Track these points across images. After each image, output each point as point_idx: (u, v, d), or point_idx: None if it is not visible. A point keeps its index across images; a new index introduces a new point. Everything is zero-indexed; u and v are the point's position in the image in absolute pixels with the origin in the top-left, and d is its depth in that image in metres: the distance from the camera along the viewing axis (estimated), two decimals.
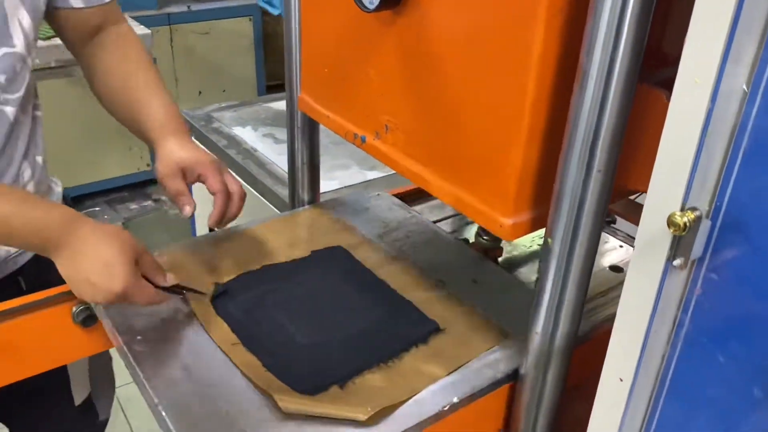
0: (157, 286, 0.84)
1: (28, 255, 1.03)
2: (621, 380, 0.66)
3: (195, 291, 0.89)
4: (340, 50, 0.95)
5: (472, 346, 0.86)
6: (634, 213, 0.91)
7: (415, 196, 1.29)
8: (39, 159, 1.03)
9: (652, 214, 0.59)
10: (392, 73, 0.86)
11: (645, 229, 0.60)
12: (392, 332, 0.87)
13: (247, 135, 1.83)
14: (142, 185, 3.12)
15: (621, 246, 1.22)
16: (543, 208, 0.74)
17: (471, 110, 0.76)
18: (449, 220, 1.29)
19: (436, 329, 0.88)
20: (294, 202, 1.21)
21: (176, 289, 0.88)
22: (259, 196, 1.65)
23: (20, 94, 0.92)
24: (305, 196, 1.20)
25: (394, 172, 1.67)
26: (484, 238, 1.12)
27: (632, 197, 0.93)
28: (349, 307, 0.92)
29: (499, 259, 1.16)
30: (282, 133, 1.83)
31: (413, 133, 0.86)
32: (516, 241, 1.22)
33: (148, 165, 3.02)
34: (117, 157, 2.94)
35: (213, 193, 0.95)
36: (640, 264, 0.61)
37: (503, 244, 1.16)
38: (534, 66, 0.67)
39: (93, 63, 1.05)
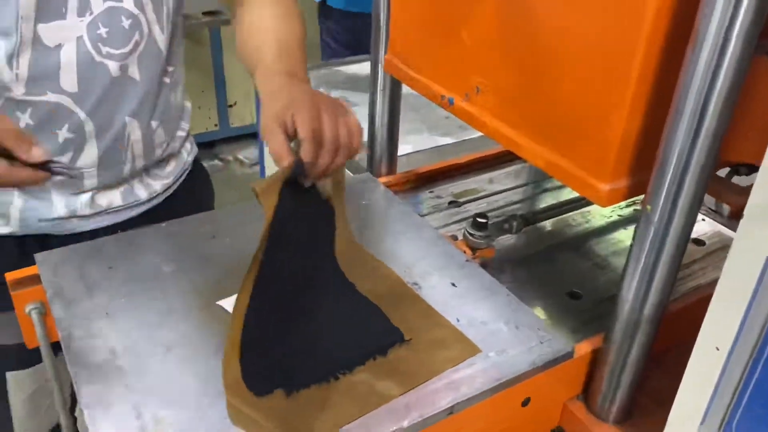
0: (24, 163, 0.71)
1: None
2: (717, 349, 0.65)
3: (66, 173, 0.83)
4: (433, 11, 0.94)
5: (436, 362, 0.78)
6: (718, 186, 0.89)
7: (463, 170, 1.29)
8: (154, 123, 1.04)
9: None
10: (487, 34, 0.86)
11: (757, 195, 0.59)
12: (351, 340, 0.80)
13: None
14: (210, 145, 3.18)
15: (703, 219, 1.20)
16: (641, 175, 0.73)
17: (572, 73, 0.75)
18: (440, 214, 1.19)
19: (400, 340, 0.81)
20: (372, 166, 1.22)
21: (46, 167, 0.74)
22: None
23: (125, 50, 0.94)
24: (384, 160, 1.21)
25: (465, 139, 1.69)
26: (474, 235, 1.03)
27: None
28: (313, 306, 0.83)
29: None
30: (354, 96, 1.84)
31: (506, 95, 0.86)
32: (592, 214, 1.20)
33: (216, 125, 3.08)
34: None
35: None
36: (748, 231, 0.60)
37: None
38: (646, 27, 0.65)
39: (241, 14, 1.04)
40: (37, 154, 0.72)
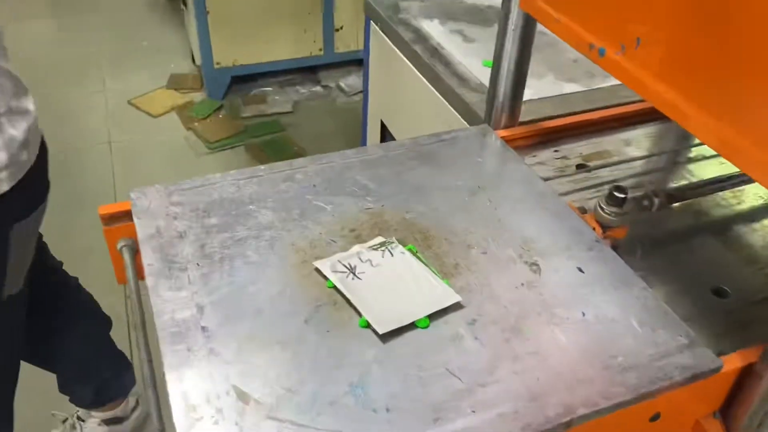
0: None
1: None
2: None
3: None
4: None
5: None
6: None
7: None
8: None
9: None
10: None
11: None
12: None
13: (434, 29, 1.69)
14: (313, 70, 3.10)
15: None
16: None
17: None
18: (565, 179, 1.03)
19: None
20: (490, 115, 1.09)
21: None
22: (441, 98, 1.53)
23: None
24: (505, 110, 1.07)
25: (594, 87, 1.51)
26: (607, 211, 0.88)
27: None
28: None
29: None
30: (472, 31, 1.68)
31: (675, 50, 0.70)
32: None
33: (320, 50, 2.98)
34: (291, 40, 2.92)
35: None
36: None
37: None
38: None
39: None
40: None
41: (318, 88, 3.08)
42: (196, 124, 2.79)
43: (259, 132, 2.79)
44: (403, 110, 1.76)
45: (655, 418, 0.72)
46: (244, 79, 3.00)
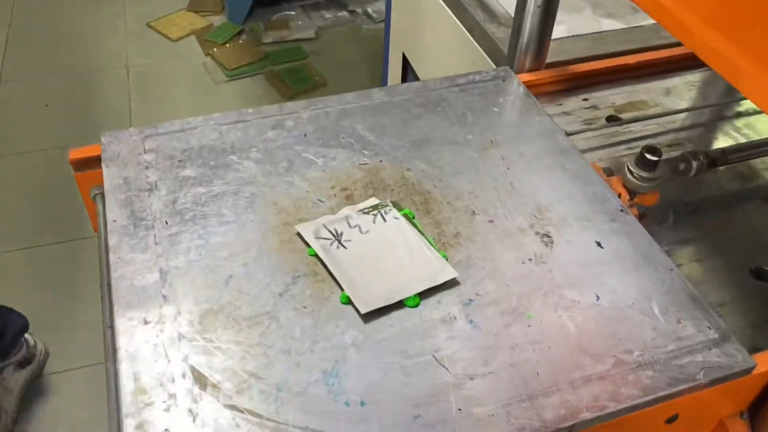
0: None
1: None
2: None
3: None
4: None
5: None
6: None
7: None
8: None
9: None
10: None
11: None
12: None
13: None
14: None
15: None
16: None
17: None
18: (593, 133, 0.91)
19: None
20: (513, 57, 0.96)
21: None
22: (466, 31, 1.40)
23: None
24: (530, 51, 0.95)
25: (637, 25, 1.35)
26: (636, 175, 0.77)
27: None
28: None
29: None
30: None
31: None
32: None
33: None
34: None
35: None
36: None
37: None
38: None
39: None
40: None
41: (344, 13, 2.91)
42: (215, 49, 2.67)
43: (280, 59, 2.66)
44: (426, 43, 1.63)
45: (672, 419, 0.64)
46: (267, 2, 2.85)
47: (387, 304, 0.63)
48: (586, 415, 0.56)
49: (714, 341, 0.62)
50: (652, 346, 0.61)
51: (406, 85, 0.89)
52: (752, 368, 0.61)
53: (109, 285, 0.65)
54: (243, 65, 2.61)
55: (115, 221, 0.69)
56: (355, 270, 0.65)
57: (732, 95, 0.99)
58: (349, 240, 0.68)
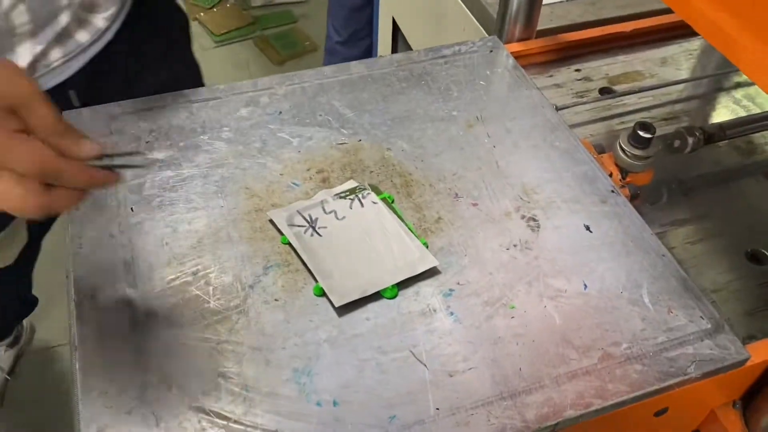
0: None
1: (81, 61, 0.79)
2: None
3: (134, 165, 0.57)
4: None
5: None
6: None
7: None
8: None
9: None
10: None
11: None
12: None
13: None
14: None
15: None
16: None
17: None
18: (585, 107, 0.87)
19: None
20: (503, 18, 0.92)
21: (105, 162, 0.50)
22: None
23: None
24: (520, 19, 0.90)
25: None
26: (629, 153, 0.72)
27: None
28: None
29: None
30: None
31: None
32: None
33: None
34: None
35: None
36: None
37: None
38: None
39: None
40: (89, 148, 0.48)
41: None
42: (201, 14, 2.60)
43: (269, 23, 2.59)
44: (416, 8, 1.57)
45: (661, 412, 0.61)
46: None
47: (363, 296, 0.59)
48: (570, 413, 0.54)
49: (706, 332, 0.59)
50: (641, 338, 0.58)
51: (387, 57, 0.84)
52: (746, 360, 0.58)
53: (69, 276, 0.62)
54: (231, 30, 2.54)
55: (76, 209, 0.65)
56: (330, 260, 0.62)
57: (730, 65, 0.94)
58: (324, 227, 0.64)
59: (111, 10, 0.80)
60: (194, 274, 0.61)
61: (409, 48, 1.75)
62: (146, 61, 0.87)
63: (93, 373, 0.54)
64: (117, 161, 0.51)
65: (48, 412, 1.50)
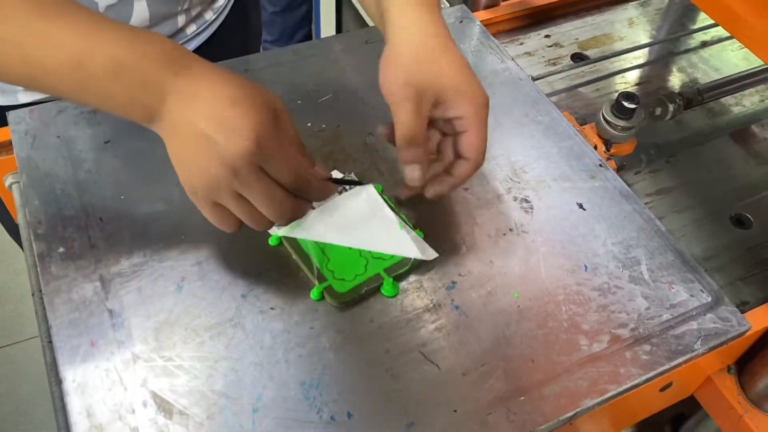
0: None
1: None
2: None
3: (357, 181, 0.62)
4: None
5: None
6: None
7: None
8: None
9: None
10: None
11: None
12: None
13: None
14: None
15: None
16: None
17: None
18: (559, 76, 0.85)
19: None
20: None
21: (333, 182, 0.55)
22: None
23: None
24: None
25: None
26: (613, 124, 0.71)
27: None
28: None
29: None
30: None
31: None
32: None
33: None
34: None
35: (462, 157, 0.56)
36: None
37: None
38: None
39: None
40: (321, 170, 0.54)
41: None
42: None
43: None
44: None
45: (666, 387, 0.61)
46: None
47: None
48: (587, 402, 0.53)
49: (708, 305, 0.59)
50: (646, 318, 0.58)
51: (351, 33, 0.80)
52: (747, 330, 0.58)
53: (41, 299, 0.57)
54: None
55: (39, 222, 0.60)
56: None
57: (693, 22, 0.94)
58: (311, 216, 0.61)
59: (219, 2, 0.80)
60: (179, 287, 0.57)
61: (355, 10, 1.69)
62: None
63: (83, 406, 0.49)
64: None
65: None
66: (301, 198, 0.50)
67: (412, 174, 0.55)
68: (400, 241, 0.59)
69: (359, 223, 0.61)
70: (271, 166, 0.47)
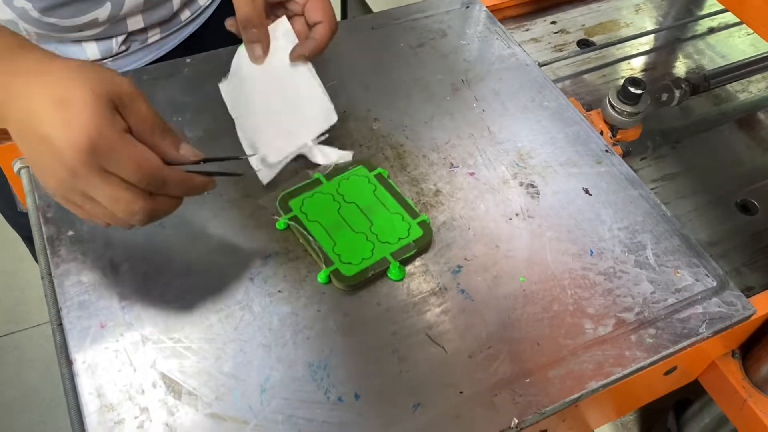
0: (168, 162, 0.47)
1: (177, 39, 0.78)
2: None
3: (230, 173, 0.54)
4: None
5: None
6: None
7: None
8: None
9: None
10: None
11: None
12: None
13: None
14: None
15: None
16: None
17: None
18: (564, 63, 0.85)
19: None
20: None
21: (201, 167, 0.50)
22: None
23: None
24: None
25: None
26: (619, 109, 0.71)
27: None
28: None
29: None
30: None
31: None
32: None
33: None
34: None
35: (312, 23, 0.63)
36: None
37: None
38: None
39: None
40: (190, 153, 0.49)
41: None
42: None
43: None
44: None
45: (671, 371, 0.62)
46: None
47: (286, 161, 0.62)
48: (592, 384, 0.53)
49: (713, 290, 0.59)
50: (651, 302, 0.58)
51: (352, 21, 0.80)
52: (752, 315, 0.59)
53: (51, 282, 0.57)
54: None
55: (48, 206, 0.60)
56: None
57: (700, 8, 0.94)
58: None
59: None
60: (187, 271, 0.57)
61: (363, 2, 1.68)
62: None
63: (93, 387, 0.50)
64: (212, 167, 0.51)
65: None
66: (160, 195, 0.47)
67: (252, 52, 0.63)
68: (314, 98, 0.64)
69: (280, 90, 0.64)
70: (112, 165, 0.43)
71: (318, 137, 0.64)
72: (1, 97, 0.44)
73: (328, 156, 0.65)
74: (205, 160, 0.49)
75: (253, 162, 0.62)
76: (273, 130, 0.64)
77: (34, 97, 0.43)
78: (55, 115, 0.42)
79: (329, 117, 0.64)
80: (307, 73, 0.64)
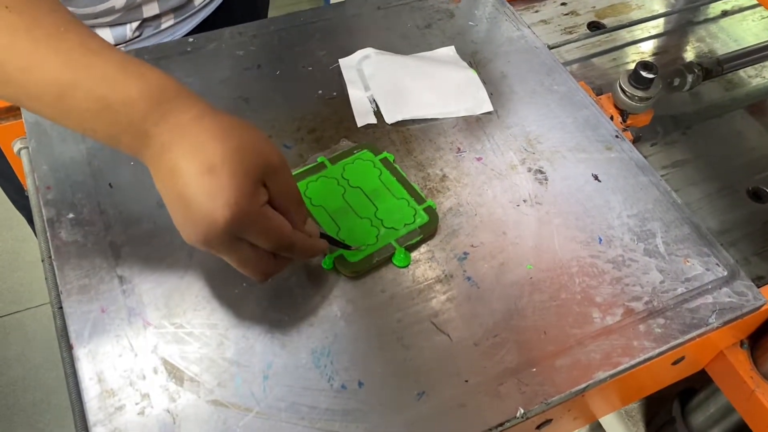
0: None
1: (190, 25, 0.78)
2: None
3: (344, 244, 0.56)
4: None
5: None
6: None
7: None
8: None
9: None
10: None
11: None
12: None
13: None
14: None
15: None
16: None
17: None
18: (574, 45, 0.84)
19: None
20: None
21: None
22: None
23: None
24: None
25: None
26: (630, 94, 0.70)
27: None
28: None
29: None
30: None
31: None
32: None
33: None
34: None
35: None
36: None
37: None
38: None
39: None
40: (314, 229, 0.52)
41: None
42: None
43: None
44: None
45: (678, 361, 0.61)
46: None
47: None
48: (600, 374, 0.53)
49: (723, 279, 0.58)
50: (661, 291, 0.57)
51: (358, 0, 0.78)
52: (762, 305, 0.58)
53: (51, 265, 0.56)
54: None
55: (48, 188, 0.59)
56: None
57: None
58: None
59: None
60: (189, 255, 0.56)
61: None
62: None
63: (94, 372, 0.49)
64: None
65: None
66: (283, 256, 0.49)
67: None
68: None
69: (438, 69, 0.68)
70: (246, 235, 0.45)
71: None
72: (141, 138, 0.43)
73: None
74: (321, 235, 0.53)
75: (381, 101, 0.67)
76: (422, 93, 0.68)
77: (185, 157, 0.42)
78: (201, 182, 0.42)
79: (483, 105, 0.68)
80: (465, 67, 0.69)
